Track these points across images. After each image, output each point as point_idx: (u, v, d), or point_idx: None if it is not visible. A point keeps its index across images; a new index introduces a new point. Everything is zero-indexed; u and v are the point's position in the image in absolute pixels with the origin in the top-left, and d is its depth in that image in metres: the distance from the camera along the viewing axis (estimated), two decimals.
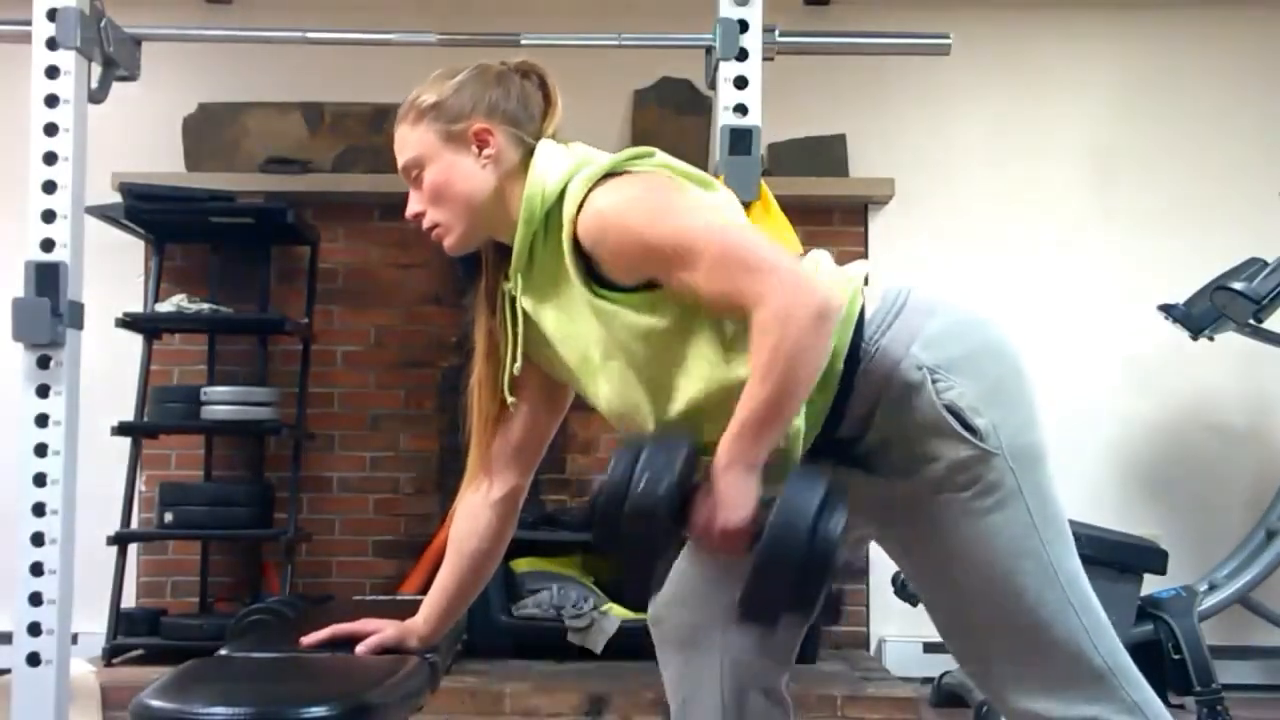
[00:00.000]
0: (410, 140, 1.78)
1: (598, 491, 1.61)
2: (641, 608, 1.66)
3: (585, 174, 1.68)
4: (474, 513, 1.92)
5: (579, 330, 1.73)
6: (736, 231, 1.66)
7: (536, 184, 1.71)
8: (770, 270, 1.59)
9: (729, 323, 1.66)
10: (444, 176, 1.76)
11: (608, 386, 1.74)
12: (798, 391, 1.59)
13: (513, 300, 1.79)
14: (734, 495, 1.59)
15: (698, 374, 1.67)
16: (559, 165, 1.72)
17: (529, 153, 1.77)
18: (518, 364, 1.80)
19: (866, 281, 1.77)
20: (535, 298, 1.77)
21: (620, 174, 1.69)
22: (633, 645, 3.76)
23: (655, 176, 1.70)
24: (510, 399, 1.83)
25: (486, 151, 1.76)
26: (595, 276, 1.68)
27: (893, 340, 1.68)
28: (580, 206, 1.66)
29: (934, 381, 1.66)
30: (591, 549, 1.69)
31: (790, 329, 1.56)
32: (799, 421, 1.66)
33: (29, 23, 2.89)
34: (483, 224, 1.78)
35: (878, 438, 1.69)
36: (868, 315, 1.70)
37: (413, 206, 1.80)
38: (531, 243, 1.73)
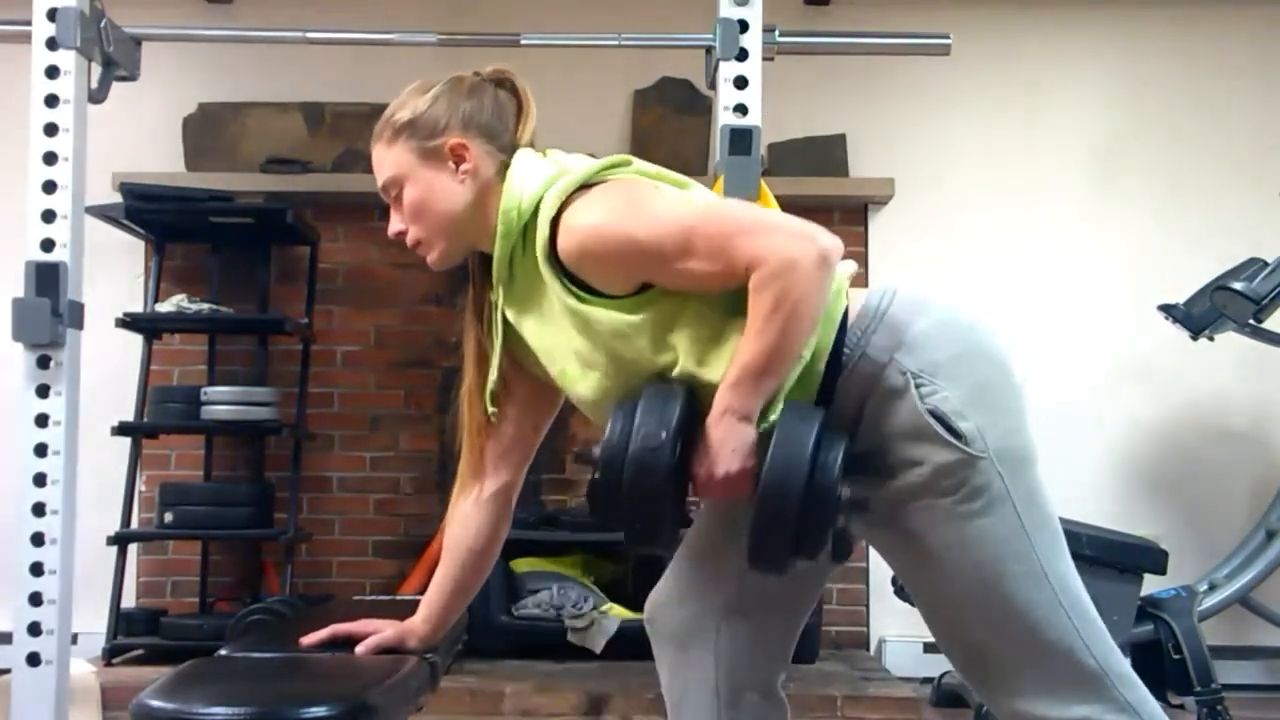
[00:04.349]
0: (387, 160, 1.79)
1: (598, 454, 1.60)
2: (651, 578, 1.67)
3: (560, 186, 1.69)
4: (467, 513, 1.92)
5: (558, 341, 1.74)
6: (724, 206, 1.70)
7: (513, 197, 1.72)
8: (767, 229, 1.62)
9: (707, 325, 1.66)
10: (423, 194, 1.77)
11: (589, 397, 1.75)
12: (796, 340, 1.60)
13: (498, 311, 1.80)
14: (730, 443, 1.60)
15: (674, 378, 1.67)
16: (535, 177, 1.72)
17: (506, 164, 1.77)
18: (494, 376, 1.81)
19: (866, 282, 1.77)
20: (517, 309, 1.78)
21: (595, 184, 1.70)
22: (633, 645, 3.75)
23: (630, 182, 1.71)
24: (492, 410, 1.83)
25: (464, 166, 1.76)
26: (577, 282, 1.69)
27: (876, 346, 1.67)
28: (555, 220, 1.67)
29: (918, 387, 1.65)
30: (595, 516, 1.68)
31: (793, 277, 1.58)
32: (773, 418, 1.65)
33: (29, 23, 2.89)
34: (464, 238, 1.79)
35: (863, 444, 1.68)
36: (851, 319, 1.69)
37: (394, 225, 1.81)
38: (511, 255, 1.74)
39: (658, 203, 1.68)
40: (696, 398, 1.65)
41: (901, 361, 1.66)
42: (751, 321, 1.60)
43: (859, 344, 1.67)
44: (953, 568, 1.67)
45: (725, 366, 1.64)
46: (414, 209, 1.78)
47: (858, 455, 1.68)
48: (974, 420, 1.64)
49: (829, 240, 1.61)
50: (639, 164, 1.75)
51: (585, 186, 1.69)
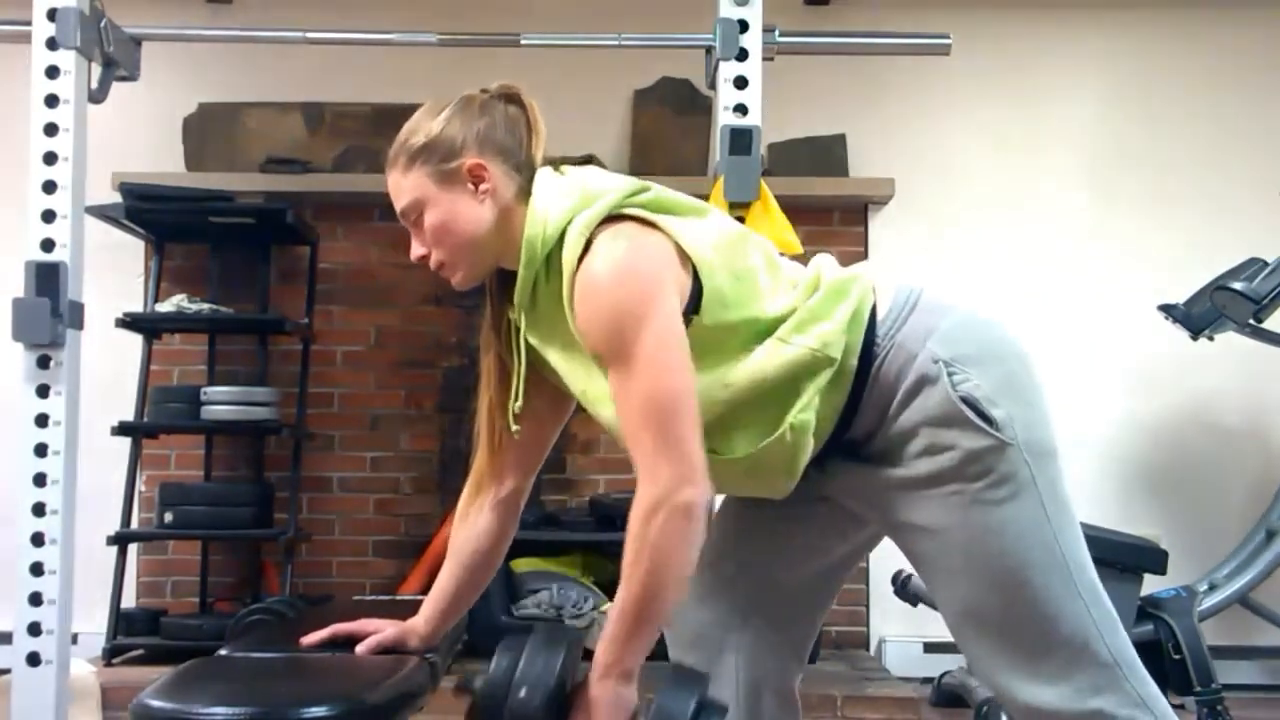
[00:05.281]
0: (405, 185, 1.77)
1: (477, 692, 1.62)
2: None
3: (584, 220, 1.67)
4: (475, 516, 1.93)
5: (581, 368, 1.74)
6: (673, 387, 1.62)
7: (537, 225, 1.71)
8: (671, 455, 1.59)
9: (722, 353, 1.67)
10: (444, 217, 1.75)
11: (610, 415, 1.74)
12: (663, 595, 1.60)
13: (518, 331, 1.79)
14: (607, 706, 1.60)
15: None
16: (559, 205, 1.71)
17: (525, 181, 1.76)
18: (519, 402, 1.80)
19: None
20: (540, 335, 1.78)
21: (618, 219, 1.68)
22: None
23: (649, 247, 1.67)
24: (516, 428, 1.82)
25: (483, 187, 1.75)
26: None
27: (907, 336, 1.70)
28: (580, 257, 1.66)
29: (950, 374, 1.67)
30: None
31: (655, 528, 1.58)
32: (808, 416, 1.66)
33: (29, 23, 2.90)
34: (488, 257, 1.78)
35: (892, 433, 1.70)
36: (880, 314, 1.72)
37: (416, 249, 1.80)
38: (534, 282, 1.73)
39: (646, 312, 1.62)
40: (720, 418, 1.64)
41: (934, 350, 1.68)
42: (623, 568, 1.61)
43: (890, 334, 1.70)
44: (975, 555, 1.68)
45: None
46: (436, 233, 1.76)
47: (884, 448, 1.70)
48: (1004, 408, 1.67)
49: (702, 494, 1.60)
50: (659, 191, 1.74)
51: (608, 220, 1.68)
